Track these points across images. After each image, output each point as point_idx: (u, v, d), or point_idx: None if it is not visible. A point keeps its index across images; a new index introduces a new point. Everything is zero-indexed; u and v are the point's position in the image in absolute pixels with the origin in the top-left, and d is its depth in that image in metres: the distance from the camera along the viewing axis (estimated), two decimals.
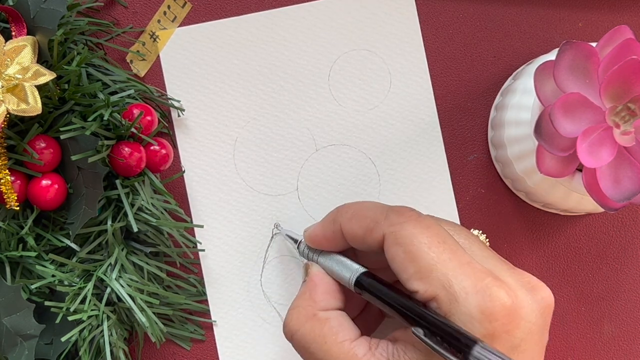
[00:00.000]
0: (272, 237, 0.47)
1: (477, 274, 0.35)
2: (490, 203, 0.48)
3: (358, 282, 0.39)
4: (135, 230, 0.42)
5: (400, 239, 0.36)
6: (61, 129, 0.41)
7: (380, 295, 0.38)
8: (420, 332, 0.35)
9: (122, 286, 0.43)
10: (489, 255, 0.38)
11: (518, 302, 0.35)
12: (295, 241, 0.45)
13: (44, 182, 0.42)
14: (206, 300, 0.47)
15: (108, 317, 0.43)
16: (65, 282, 0.42)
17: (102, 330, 0.42)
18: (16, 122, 0.41)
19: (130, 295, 0.43)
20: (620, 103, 0.37)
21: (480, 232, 0.47)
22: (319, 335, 0.38)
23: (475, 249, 0.38)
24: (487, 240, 0.47)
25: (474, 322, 0.34)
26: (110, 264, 0.43)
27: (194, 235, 0.47)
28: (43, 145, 0.41)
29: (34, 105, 0.39)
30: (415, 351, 0.36)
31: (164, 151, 0.44)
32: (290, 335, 0.40)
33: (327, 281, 0.41)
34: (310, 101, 0.47)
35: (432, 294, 0.35)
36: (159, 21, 0.47)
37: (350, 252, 0.42)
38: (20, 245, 0.43)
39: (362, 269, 0.40)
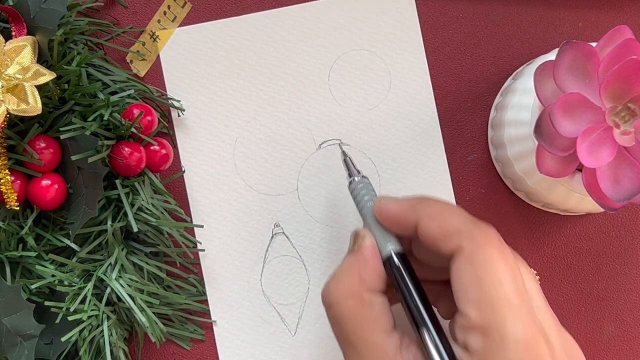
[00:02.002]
0: (272, 237, 0.47)
1: (532, 327, 0.34)
2: (490, 203, 0.48)
3: (391, 259, 0.39)
4: (135, 230, 0.42)
5: (475, 260, 0.35)
6: (61, 129, 0.41)
7: (399, 285, 0.38)
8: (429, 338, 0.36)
9: (122, 286, 0.43)
10: (543, 306, 0.37)
11: (555, 348, 0.35)
12: (350, 174, 0.43)
13: (44, 182, 0.42)
14: (206, 300, 0.47)
15: (108, 317, 0.43)
16: (65, 282, 0.42)
17: (102, 330, 0.42)
18: (16, 122, 0.41)
19: (130, 295, 0.43)
20: (620, 103, 0.37)
21: (536, 273, 0.47)
22: (359, 318, 0.37)
23: (534, 296, 0.37)
24: (539, 278, 0.47)
25: None
26: (110, 264, 0.43)
27: (194, 235, 0.47)
28: (43, 145, 0.41)
29: (34, 105, 0.39)
30: None
31: (164, 151, 0.44)
32: (328, 304, 0.39)
33: (378, 260, 0.39)
34: (310, 101, 0.47)
35: (482, 326, 0.34)
36: (159, 21, 0.47)
37: (406, 241, 0.41)
38: (20, 245, 0.43)
39: (396, 249, 0.39)
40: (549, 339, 0.35)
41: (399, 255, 0.39)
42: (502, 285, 0.35)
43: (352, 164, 0.43)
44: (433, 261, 0.39)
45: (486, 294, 0.35)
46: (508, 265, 0.36)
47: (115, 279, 0.43)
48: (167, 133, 0.47)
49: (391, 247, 0.39)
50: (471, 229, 0.37)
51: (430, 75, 0.48)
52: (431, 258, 0.40)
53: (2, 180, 0.41)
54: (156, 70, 0.47)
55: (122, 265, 0.43)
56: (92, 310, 0.42)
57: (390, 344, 0.37)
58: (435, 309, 0.38)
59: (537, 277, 0.46)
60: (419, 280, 0.38)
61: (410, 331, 0.38)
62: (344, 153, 0.44)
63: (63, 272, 0.42)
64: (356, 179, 0.42)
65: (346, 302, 0.38)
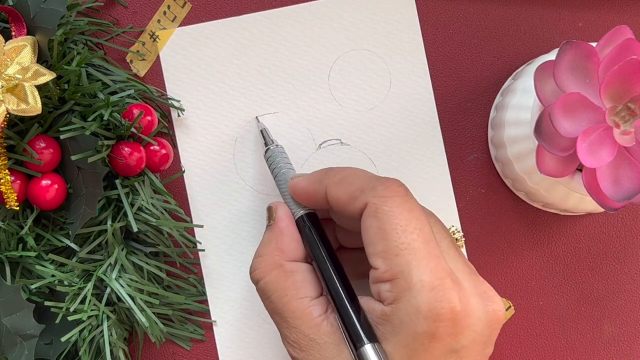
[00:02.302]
0: None
1: (438, 271, 0.35)
2: (490, 203, 0.48)
3: (301, 219, 0.41)
4: (135, 230, 0.42)
5: (379, 213, 0.36)
6: (61, 129, 0.41)
7: (311, 245, 0.40)
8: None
9: (122, 286, 0.43)
10: (456, 255, 0.38)
11: (468, 310, 0.35)
12: (266, 144, 0.45)
13: (44, 182, 0.42)
14: (206, 300, 0.47)
15: (108, 317, 0.43)
16: (65, 282, 0.42)
17: (102, 330, 0.42)
18: (16, 122, 0.41)
19: (130, 295, 0.43)
20: (620, 103, 0.37)
21: (457, 229, 0.47)
22: (282, 287, 0.39)
23: (445, 245, 0.38)
24: (463, 238, 0.47)
25: (419, 317, 0.34)
26: (110, 264, 0.43)
27: (193, 235, 0.47)
28: (43, 145, 0.41)
29: (33, 105, 0.39)
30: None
31: (164, 151, 0.44)
32: (255, 280, 0.40)
33: (293, 228, 0.41)
34: (310, 101, 0.47)
35: (390, 276, 0.35)
36: (158, 21, 0.47)
37: (328, 221, 0.42)
38: (20, 245, 0.43)
39: (305, 211, 0.41)
40: (458, 281, 0.36)
41: (308, 215, 0.40)
42: (405, 233, 0.36)
43: (268, 134, 0.45)
44: (352, 224, 0.40)
45: (391, 244, 0.36)
46: (412, 215, 0.36)
47: (115, 279, 0.43)
48: (167, 133, 0.47)
49: (301, 210, 0.41)
50: (375, 185, 0.37)
51: (430, 75, 0.48)
52: (352, 225, 0.41)
53: (2, 180, 0.41)
54: (156, 70, 0.47)
55: (122, 265, 0.43)
56: (92, 310, 0.42)
57: (316, 307, 0.38)
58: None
59: (463, 239, 0.46)
60: (327, 238, 0.40)
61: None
62: (259, 123, 0.46)
63: (63, 272, 0.42)
64: (271, 147, 0.44)
65: (269, 275, 0.39)
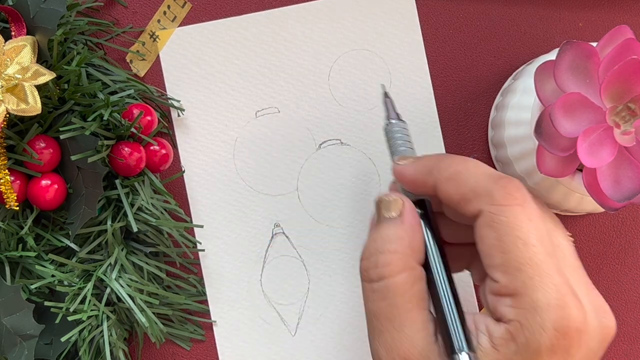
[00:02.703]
0: (272, 237, 0.47)
1: (562, 287, 0.33)
2: None
3: (421, 202, 0.37)
4: (135, 230, 0.42)
5: (497, 224, 0.34)
6: (61, 129, 0.41)
7: (431, 232, 0.36)
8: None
9: (122, 286, 0.43)
10: (575, 266, 0.36)
11: (586, 328, 0.34)
12: (388, 116, 0.41)
13: (44, 182, 0.42)
14: (206, 300, 0.47)
15: (108, 317, 0.43)
16: (65, 282, 0.42)
17: (102, 331, 0.42)
18: (16, 122, 0.41)
19: (130, 295, 0.43)
20: (620, 103, 0.37)
21: (571, 235, 0.46)
22: (409, 292, 0.35)
23: (566, 255, 0.36)
24: (573, 241, 0.45)
25: (543, 334, 0.33)
26: (110, 264, 0.43)
27: (193, 235, 0.47)
28: (43, 145, 0.41)
29: (33, 105, 0.39)
30: (480, 342, 0.34)
31: (163, 151, 0.44)
32: (379, 277, 0.36)
33: (421, 229, 0.37)
34: (310, 101, 0.47)
35: (512, 291, 0.33)
36: (158, 21, 0.47)
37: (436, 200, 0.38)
38: (20, 245, 0.43)
39: (421, 196, 0.37)
40: (578, 296, 0.34)
41: (419, 202, 0.37)
42: (526, 247, 0.33)
43: (393, 106, 0.41)
44: (463, 220, 0.37)
45: (512, 258, 0.33)
46: (532, 225, 0.34)
47: (115, 279, 0.43)
48: (167, 133, 0.47)
49: (412, 196, 0.37)
50: (490, 190, 0.35)
51: (430, 75, 0.48)
52: (460, 218, 0.38)
53: (1, 180, 0.41)
54: (156, 70, 0.47)
55: (122, 265, 0.43)
56: (91, 310, 0.42)
57: (432, 324, 0.35)
58: (469, 272, 0.37)
59: (572, 240, 0.44)
60: (439, 233, 0.37)
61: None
62: (385, 94, 0.42)
63: (63, 272, 0.42)
64: (393, 121, 0.40)
65: (399, 275, 0.35)
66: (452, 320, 0.35)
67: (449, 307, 0.35)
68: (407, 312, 0.35)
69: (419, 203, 0.37)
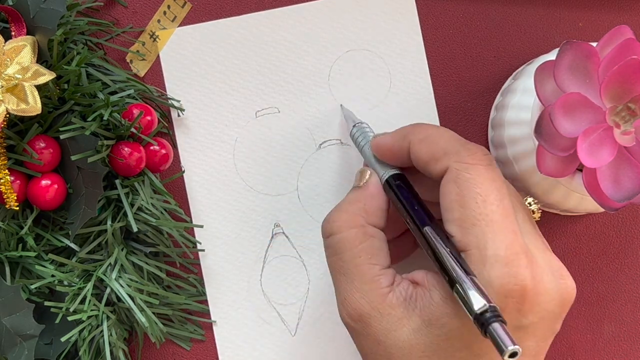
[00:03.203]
0: (272, 237, 0.47)
1: (514, 246, 0.35)
2: None
3: (388, 182, 0.39)
4: (135, 230, 0.42)
5: (460, 180, 0.36)
6: (61, 129, 0.41)
7: (403, 198, 0.38)
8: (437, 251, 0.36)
9: (122, 286, 0.43)
10: (531, 229, 0.37)
11: (540, 288, 0.35)
12: (353, 124, 0.44)
13: (44, 182, 0.42)
14: (206, 300, 0.47)
15: (108, 317, 0.43)
16: (65, 282, 0.42)
17: (102, 330, 0.42)
18: (16, 122, 0.41)
19: (130, 295, 0.43)
20: (620, 103, 0.37)
21: (534, 200, 0.45)
22: (358, 247, 0.38)
23: (520, 217, 0.37)
24: (540, 210, 0.45)
25: (490, 290, 0.34)
26: (110, 264, 0.43)
27: (193, 235, 0.47)
28: (43, 145, 0.41)
29: (33, 105, 0.39)
30: (432, 297, 0.36)
31: (163, 151, 0.44)
32: (329, 232, 0.39)
33: (382, 197, 0.40)
34: (310, 101, 0.47)
35: (464, 246, 0.35)
36: (158, 21, 0.47)
37: (407, 174, 0.41)
38: (20, 245, 0.43)
39: (392, 172, 0.40)
40: (533, 258, 0.35)
41: (397, 175, 0.39)
42: (485, 203, 0.35)
43: (353, 115, 0.46)
44: (434, 194, 0.39)
45: (468, 213, 0.35)
46: (494, 185, 0.36)
47: (115, 279, 0.43)
48: (167, 133, 0.47)
49: (390, 172, 0.40)
50: (459, 150, 0.37)
51: (430, 75, 0.48)
52: (431, 190, 0.40)
53: (1, 180, 0.41)
54: (156, 70, 0.47)
55: (121, 265, 0.43)
56: (91, 310, 0.42)
57: (385, 278, 0.37)
58: None
59: (539, 211, 0.44)
60: (419, 196, 0.39)
61: (403, 271, 0.38)
62: (342, 108, 0.47)
63: (63, 272, 0.42)
64: (356, 124, 0.44)
65: (348, 232, 0.38)
66: (445, 256, 0.35)
67: (439, 247, 0.36)
68: (356, 266, 0.37)
69: (397, 177, 0.40)
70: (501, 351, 0.31)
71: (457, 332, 0.35)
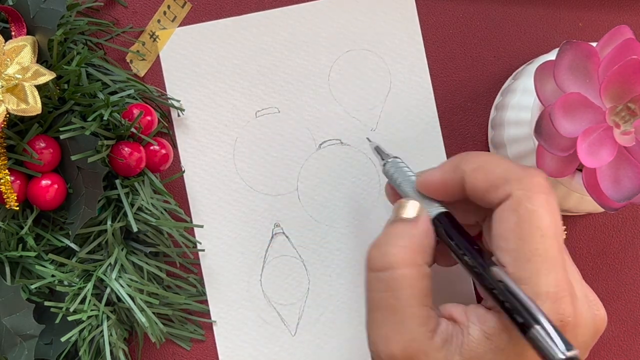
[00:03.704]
0: (272, 237, 0.47)
1: (563, 283, 0.34)
2: None
3: (438, 219, 0.38)
4: (135, 230, 0.42)
5: (521, 209, 0.34)
6: (61, 129, 0.41)
7: (450, 240, 0.37)
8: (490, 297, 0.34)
9: (122, 286, 0.43)
10: (569, 261, 0.37)
11: (579, 321, 0.35)
12: (382, 158, 0.43)
13: (44, 182, 0.42)
14: (206, 300, 0.47)
15: (108, 317, 0.43)
16: (65, 282, 0.42)
17: (102, 330, 0.42)
18: (16, 122, 0.41)
19: (130, 295, 0.43)
20: (620, 103, 0.37)
21: (565, 228, 0.45)
22: (417, 288, 0.36)
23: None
24: (566, 233, 0.44)
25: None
26: (110, 264, 0.43)
27: (193, 235, 0.47)
28: (43, 145, 0.41)
29: (33, 105, 0.39)
30: (471, 334, 0.35)
31: (163, 151, 0.44)
32: (384, 267, 0.37)
33: (433, 234, 0.38)
34: (310, 101, 0.47)
35: (516, 279, 0.34)
36: (158, 21, 0.47)
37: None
38: (20, 245, 0.43)
39: (441, 209, 0.38)
40: (574, 292, 0.35)
41: (445, 213, 0.38)
42: (543, 239, 0.34)
43: (381, 149, 0.44)
44: (472, 220, 0.39)
45: (526, 247, 0.34)
46: (554, 219, 0.35)
47: (115, 279, 0.43)
48: (167, 133, 0.47)
49: (438, 209, 0.38)
50: (519, 175, 0.35)
51: (430, 75, 0.48)
52: (473, 219, 0.39)
53: (2, 180, 0.41)
54: (156, 70, 0.47)
55: (122, 265, 0.43)
56: (92, 310, 0.42)
57: (433, 320, 0.36)
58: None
59: (565, 233, 0.43)
60: (469, 235, 0.37)
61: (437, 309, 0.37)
62: (371, 142, 0.45)
63: (63, 272, 0.42)
64: (389, 160, 0.42)
65: (409, 269, 0.36)
66: (512, 300, 0.34)
67: (513, 288, 0.34)
68: (410, 306, 0.36)
69: (448, 214, 0.38)
70: None
71: None
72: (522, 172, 0.36)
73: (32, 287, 0.42)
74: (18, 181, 0.41)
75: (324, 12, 0.47)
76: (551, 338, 0.32)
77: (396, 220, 0.39)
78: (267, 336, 0.47)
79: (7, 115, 0.39)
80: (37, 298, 0.43)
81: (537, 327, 0.32)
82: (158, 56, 0.47)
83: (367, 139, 0.47)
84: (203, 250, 0.47)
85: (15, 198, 0.41)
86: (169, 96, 0.47)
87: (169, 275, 0.46)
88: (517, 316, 0.33)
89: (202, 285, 0.46)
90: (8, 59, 0.40)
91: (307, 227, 0.47)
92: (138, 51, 0.47)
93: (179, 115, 0.47)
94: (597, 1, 0.48)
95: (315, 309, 0.47)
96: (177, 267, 0.46)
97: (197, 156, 0.47)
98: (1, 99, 0.39)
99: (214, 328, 0.47)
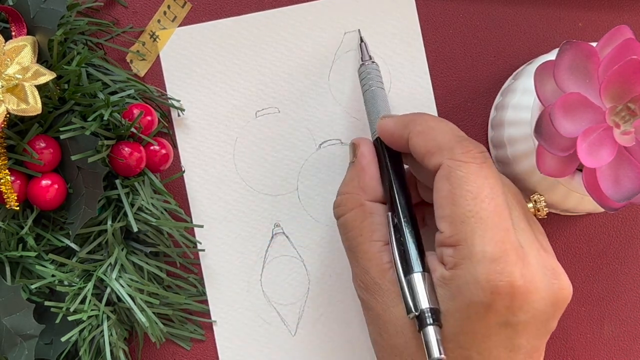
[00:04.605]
0: (272, 237, 0.47)
1: (504, 243, 0.35)
2: None
3: (378, 139, 0.41)
4: (135, 230, 0.42)
5: (452, 177, 0.36)
6: (61, 129, 0.41)
7: (387, 160, 0.40)
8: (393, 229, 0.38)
9: (122, 286, 0.43)
10: (526, 228, 0.37)
11: (531, 286, 0.35)
12: (362, 58, 0.45)
13: (44, 182, 0.42)
14: (206, 300, 0.47)
15: (108, 317, 0.43)
16: (65, 282, 0.42)
17: (102, 330, 0.42)
18: (16, 122, 0.41)
19: (130, 295, 0.43)
20: (620, 103, 0.37)
21: (540, 197, 0.44)
22: (358, 226, 0.39)
23: (516, 215, 0.37)
24: (546, 207, 0.44)
25: (477, 287, 0.34)
26: (110, 264, 0.43)
27: (194, 235, 0.47)
28: (43, 145, 0.41)
29: (34, 105, 0.39)
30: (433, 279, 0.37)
31: (164, 151, 0.44)
32: (336, 217, 0.41)
33: (375, 167, 0.41)
34: (310, 101, 0.47)
35: (454, 242, 0.35)
36: (159, 21, 0.47)
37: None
38: (20, 245, 0.43)
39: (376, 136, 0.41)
40: (525, 256, 0.35)
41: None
42: (475, 201, 0.35)
43: (367, 49, 0.46)
44: (427, 178, 0.41)
45: (458, 210, 0.35)
46: (487, 182, 0.36)
47: (115, 279, 0.43)
48: (167, 133, 0.47)
49: (374, 130, 0.41)
50: (453, 146, 0.37)
51: (430, 75, 0.48)
52: (428, 181, 0.40)
53: (2, 180, 0.41)
54: (156, 70, 0.47)
55: (122, 265, 0.43)
56: (92, 310, 0.42)
57: (387, 254, 0.38)
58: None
59: (545, 209, 0.44)
60: (402, 163, 0.40)
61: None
62: (360, 39, 0.46)
63: (63, 272, 0.42)
64: (366, 63, 0.44)
65: (350, 213, 0.40)
66: (407, 243, 0.37)
67: (405, 232, 0.38)
68: (358, 245, 0.39)
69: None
70: (428, 355, 0.34)
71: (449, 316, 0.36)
72: (457, 142, 0.37)
73: (32, 287, 0.42)
74: (18, 181, 0.41)
75: (324, 12, 0.47)
76: (415, 290, 0.36)
77: (348, 166, 0.42)
78: (267, 336, 0.47)
79: (7, 115, 0.39)
80: (37, 298, 0.43)
81: (411, 276, 0.36)
82: (158, 56, 0.47)
83: (358, 31, 0.47)
84: (203, 250, 0.47)
85: (16, 198, 0.41)
86: (169, 96, 0.47)
87: (169, 275, 0.46)
88: (403, 263, 0.37)
89: (202, 285, 0.46)
90: (8, 59, 0.40)
91: (307, 227, 0.47)
92: (138, 51, 0.47)
93: (179, 115, 0.47)
94: (597, 1, 0.48)
95: (315, 309, 0.47)
96: (177, 267, 0.46)
97: (197, 156, 0.47)
98: (1, 99, 0.39)
99: (214, 328, 0.47)
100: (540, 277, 0.36)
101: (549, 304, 0.36)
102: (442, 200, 0.36)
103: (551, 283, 0.36)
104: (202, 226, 0.47)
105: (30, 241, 0.42)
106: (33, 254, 0.42)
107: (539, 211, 0.41)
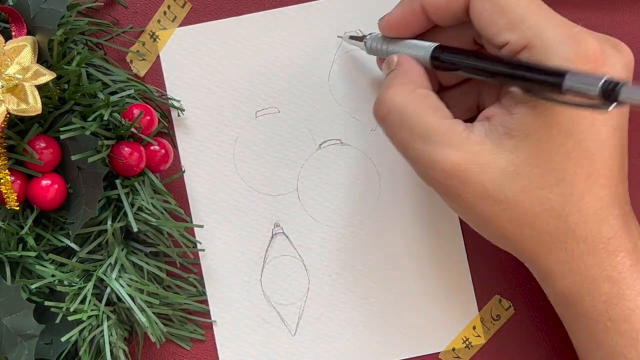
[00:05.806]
0: (272, 237, 0.47)
1: (566, 23, 0.36)
2: None
3: (434, 57, 0.39)
4: (135, 230, 0.42)
5: None
6: (61, 129, 0.41)
7: (461, 60, 0.38)
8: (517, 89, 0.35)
9: (122, 286, 0.43)
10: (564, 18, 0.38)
11: (606, 50, 0.36)
12: (361, 39, 0.45)
13: (44, 182, 0.42)
14: (206, 300, 0.47)
15: (108, 317, 0.43)
16: (65, 282, 0.42)
17: (102, 330, 0.42)
18: (16, 122, 0.41)
19: (130, 295, 0.43)
20: None
21: None
22: (420, 108, 0.38)
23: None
24: None
25: (570, 65, 0.34)
26: (110, 263, 0.43)
27: (194, 235, 0.47)
28: (43, 145, 0.41)
29: (34, 105, 0.39)
30: (512, 118, 0.36)
31: (163, 151, 0.44)
32: (386, 112, 0.38)
33: (418, 66, 0.40)
34: (310, 101, 0.47)
35: (524, 42, 0.35)
36: (159, 21, 0.47)
37: (426, 36, 0.41)
38: (20, 245, 0.43)
39: (434, 44, 0.39)
40: (587, 31, 0.36)
41: (436, 48, 0.39)
42: (520, 1, 0.36)
43: (355, 34, 0.46)
44: (458, 38, 0.40)
45: (512, 15, 0.36)
46: None
47: (115, 279, 0.43)
48: (167, 133, 0.47)
49: (423, 51, 0.40)
50: None
51: None
52: (454, 36, 0.40)
53: (2, 180, 0.41)
54: (156, 70, 0.47)
55: (122, 265, 0.43)
56: (92, 310, 0.42)
57: (459, 124, 0.37)
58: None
59: None
60: (467, 50, 0.39)
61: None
62: (344, 35, 0.46)
63: (63, 272, 0.42)
64: (367, 37, 0.44)
65: (404, 101, 0.38)
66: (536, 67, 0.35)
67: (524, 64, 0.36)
68: (427, 124, 0.37)
69: (437, 49, 0.40)
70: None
71: (547, 137, 0.35)
72: None
73: (32, 287, 0.42)
74: (18, 181, 0.41)
75: (324, 12, 0.47)
76: (584, 76, 0.33)
77: (384, 77, 0.41)
78: (267, 336, 0.47)
79: (8, 115, 0.39)
80: (37, 298, 0.43)
81: (568, 74, 0.33)
82: (158, 56, 0.47)
83: (338, 36, 0.47)
84: (203, 250, 0.47)
85: (16, 198, 0.41)
86: (169, 96, 0.47)
87: (169, 275, 0.46)
88: (546, 77, 0.34)
89: (202, 285, 0.47)
90: (8, 59, 0.40)
91: (307, 227, 0.47)
92: (138, 51, 0.47)
93: (179, 115, 0.47)
94: (597, 1, 0.48)
95: (315, 309, 0.47)
96: (177, 267, 0.46)
97: (197, 156, 0.47)
98: (1, 99, 0.39)
99: (214, 328, 0.47)
100: (607, 45, 0.36)
101: (623, 66, 0.36)
102: (491, 17, 0.36)
103: (617, 49, 0.37)
104: (202, 226, 0.47)
105: (30, 241, 0.42)
106: (33, 254, 0.42)
107: None
